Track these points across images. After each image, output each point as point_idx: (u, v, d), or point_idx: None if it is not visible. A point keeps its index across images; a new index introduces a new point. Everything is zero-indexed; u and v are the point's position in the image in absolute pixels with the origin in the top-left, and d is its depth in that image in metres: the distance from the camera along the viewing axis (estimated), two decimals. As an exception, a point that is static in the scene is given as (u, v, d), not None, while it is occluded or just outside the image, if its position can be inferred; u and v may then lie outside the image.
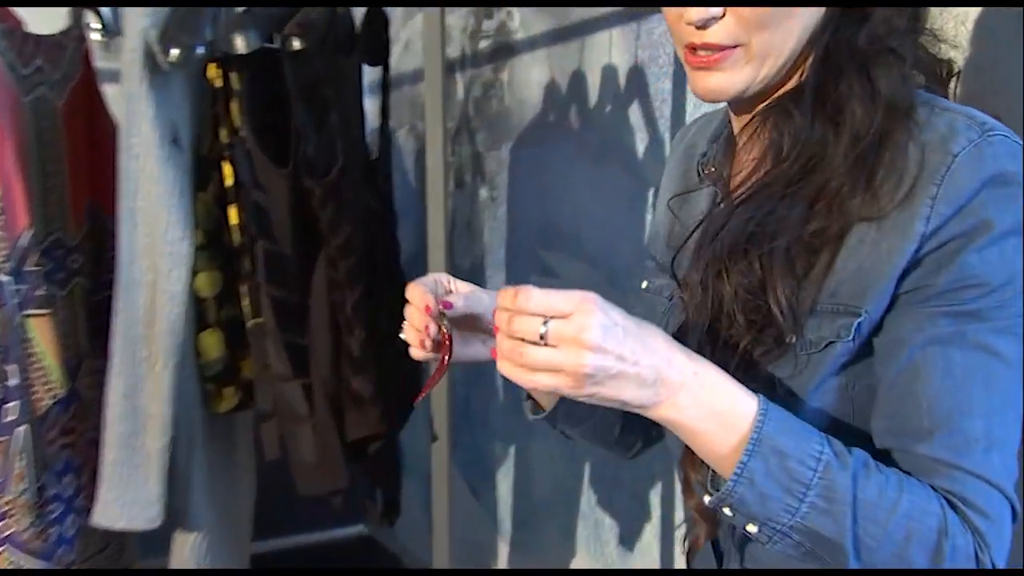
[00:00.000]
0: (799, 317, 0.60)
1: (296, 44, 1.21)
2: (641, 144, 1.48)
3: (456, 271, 1.80)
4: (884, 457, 0.57)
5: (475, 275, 1.84)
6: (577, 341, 0.52)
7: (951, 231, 0.56)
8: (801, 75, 0.64)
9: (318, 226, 1.31)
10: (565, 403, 0.76)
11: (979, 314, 0.56)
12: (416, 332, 0.66)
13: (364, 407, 1.35)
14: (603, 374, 0.53)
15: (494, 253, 1.81)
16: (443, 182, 1.40)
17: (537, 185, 1.68)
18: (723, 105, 0.77)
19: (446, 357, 0.66)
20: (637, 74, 1.45)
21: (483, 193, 1.83)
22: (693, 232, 0.66)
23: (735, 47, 0.61)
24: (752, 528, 0.56)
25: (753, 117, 0.66)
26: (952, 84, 0.65)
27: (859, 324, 0.59)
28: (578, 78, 1.56)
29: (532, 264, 1.70)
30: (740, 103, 0.66)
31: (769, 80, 0.63)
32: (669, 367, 0.54)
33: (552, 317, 0.52)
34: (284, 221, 1.27)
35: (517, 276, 1.75)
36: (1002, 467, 0.56)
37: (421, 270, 1.66)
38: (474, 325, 0.69)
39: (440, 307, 0.65)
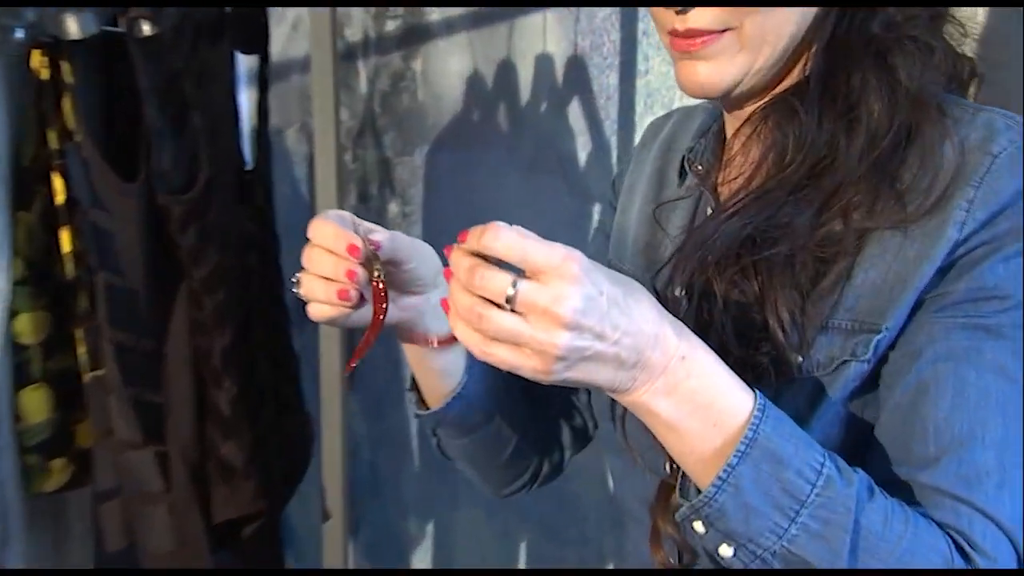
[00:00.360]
0: (805, 334, 0.62)
1: (146, 28, 1.20)
2: (583, 150, 1.49)
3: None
4: (883, 488, 0.58)
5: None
6: (551, 314, 0.51)
7: (982, 237, 0.60)
8: (805, 67, 0.67)
9: (177, 254, 1.29)
10: (460, 402, 0.76)
11: (998, 331, 0.59)
12: (326, 283, 0.63)
13: (235, 480, 1.34)
14: (576, 356, 0.52)
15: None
16: (336, 193, 1.39)
17: (459, 198, 1.69)
18: (701, 101, 0.79)
19: (383, 308, 0.63)
20: (577, 66, 1.46)
21: (393, 208, 1.83)
22: (688, 240, 0.68)
23: (724, 31, 0.63)
24: (726, 551, 0.56)
25: (750, 117, 0.68)
26: (972, 88, 0.68)
27: (878, 342, 0.61)
28: (506, 69, 1.57)
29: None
30: (733, 100, 0.69)
31: (766, 72, 0.65)
32: (654, 347, 0.54)
33: (524, 270, 0.52)
34: (133, 248, 1.26)
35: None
36: (1012, 508, 0.58)
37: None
38: (388, 278, 0.66)
39: (371, 247, 0.63)
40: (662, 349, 0.55)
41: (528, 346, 0.52)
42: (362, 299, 0.64)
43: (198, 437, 1.33)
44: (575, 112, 1.48)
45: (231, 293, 1.33)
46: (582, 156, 1.50)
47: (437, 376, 0.76)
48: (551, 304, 0.51)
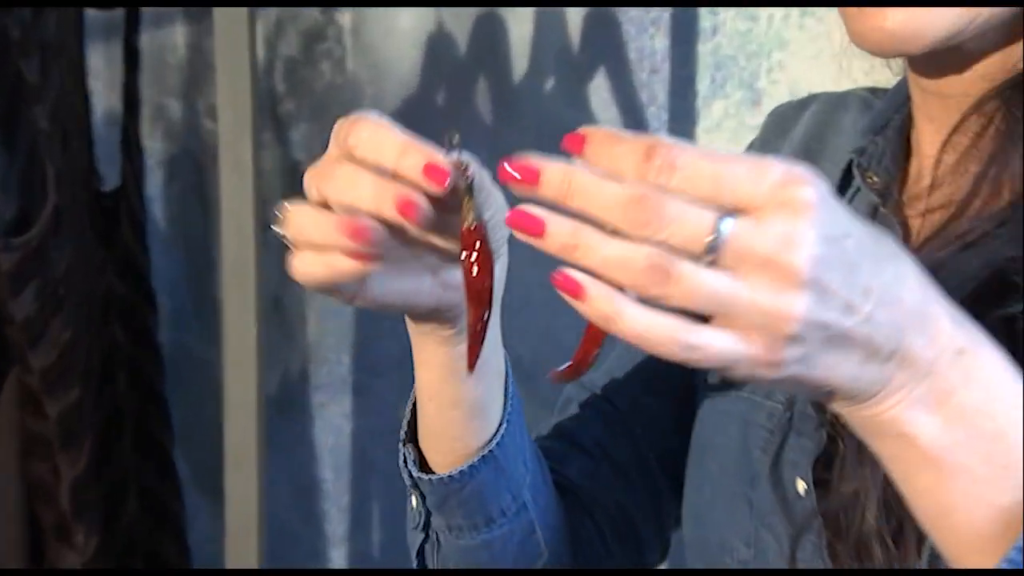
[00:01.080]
0: None
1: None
2: (614, 150, 1.51)
3: (269, 398, 1.75)
4: None
5: (296, 401, 1.81)
6: (779, 267, 0.48)
7: None
8: None
9: (5, 331, 1.28)
10: (489, 467, 0.73)
11: None
12: (390, 216, 0.57)
13: None
14: (818, 335, 0.50)
15: (331, 357, 1.79)
16: (252, 218, 1.38)
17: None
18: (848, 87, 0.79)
19: (486, 264, 0.61)
20: (603, 21, 1.48)
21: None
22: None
23: None
24: None
25: (980, 102, 0.69)
26: None
27: None
28: (489, 26, 1.57)
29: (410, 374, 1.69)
30: (935, 67, 0.70)
31: (996, 26, 0.66)
32: (919, 330, 0.53)
33: (727, 207, 0.48)
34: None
35: (383, 400, 1.73)
36: None
37: (208, 408, 1.59)
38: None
39: (464, 174, 0.59)
40: (930, 335, 0.53)
41: (748, 318, 0.49)
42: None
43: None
44: (600, 92, 1.50)
45: (88, 391, 1.33)
46: (614, 158, 1.51)
47: (466, 413, 0.73)
48: (780, 251, 0.48)
